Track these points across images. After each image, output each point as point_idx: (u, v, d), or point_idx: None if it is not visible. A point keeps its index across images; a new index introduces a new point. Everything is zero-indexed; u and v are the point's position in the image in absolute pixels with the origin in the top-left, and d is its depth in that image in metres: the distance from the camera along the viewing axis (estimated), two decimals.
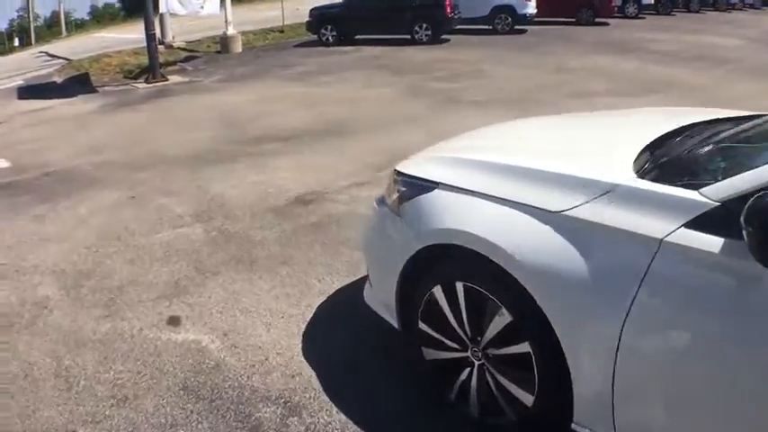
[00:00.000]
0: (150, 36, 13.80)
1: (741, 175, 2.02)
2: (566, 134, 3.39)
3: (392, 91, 11.26)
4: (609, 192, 2.24)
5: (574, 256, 2.25)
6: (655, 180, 2.26)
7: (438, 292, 2.76)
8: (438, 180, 2.84)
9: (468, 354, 2.72)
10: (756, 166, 2.03)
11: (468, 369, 2.74)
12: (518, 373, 2.51)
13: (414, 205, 2.88)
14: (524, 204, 2.45)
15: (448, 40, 18.25)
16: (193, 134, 8.58)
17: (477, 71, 12.94)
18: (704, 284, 2.02)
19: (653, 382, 2.13)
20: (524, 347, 2.45)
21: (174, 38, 19.09)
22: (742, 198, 1.90)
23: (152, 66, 13.90)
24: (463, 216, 2.63)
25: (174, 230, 5.03)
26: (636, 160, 2.48)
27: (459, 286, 2.67)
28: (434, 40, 18.05)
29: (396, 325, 3.08)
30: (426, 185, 2.88)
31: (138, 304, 3.87)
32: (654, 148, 2.69)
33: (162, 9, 15.68)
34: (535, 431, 2.55)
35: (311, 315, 3.66)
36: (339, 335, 3.49)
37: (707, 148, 2.62)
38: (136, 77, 14.69)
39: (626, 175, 2.31)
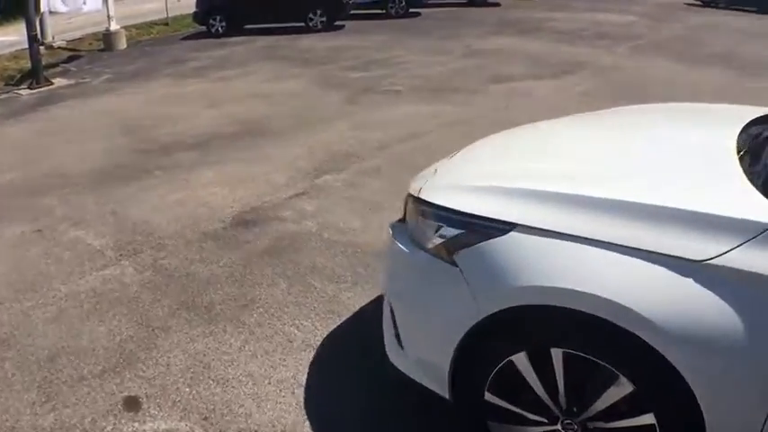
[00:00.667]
0: (32, 37, 12.41)
1: None
2: (632, 150, 2.78)
3: (303, 83, 10.49)
4: (765, 231, 1.85)
5: (727, 315, 1.87)
6: None
7: (521, 360, 2.25)
8: (515, 221, 2.23)
9: (559, 427, 2.31)
10: None
11: None
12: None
13: (480, 254, 2.28)
14: (653, 252, 1.97)
15: (342, 26, 17.52)
16: (93, 145, 7.49)
17: (387, 59, 12.35)
18: None
19: None
20: (647, 419, 2.10)
21: (53, 37, 17.41)
22: None
23: (35, 70, 12.47)
24: (569, 270, 2.08)
25: (98, 272, 4.17)
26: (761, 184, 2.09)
27: (557, 353, 2.19)
28: (329, 27, 17.30)
29: (445, 395, 2.50)
30: (494, 227, 2.27)
31: (80, 383, 3.05)
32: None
33: (43, 8, 14.27)
34: None
35: (305, 377, 2.99)
36: (353, 404, 2.86)
37: None
38: (18, 84, 13.13)
39: None
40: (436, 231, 2.45)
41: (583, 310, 2.05)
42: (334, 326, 3.39)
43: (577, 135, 3.25)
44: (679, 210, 2.01)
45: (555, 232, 2.13)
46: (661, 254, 1.95)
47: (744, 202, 2.02)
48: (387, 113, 8.12)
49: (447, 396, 2.49)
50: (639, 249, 1.99)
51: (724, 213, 1.95)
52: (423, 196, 2.58)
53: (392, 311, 2.71)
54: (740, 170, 2.25)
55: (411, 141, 6.84)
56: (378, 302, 3.61)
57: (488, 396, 2.38)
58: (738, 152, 2.42)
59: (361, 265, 4.08)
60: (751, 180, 2.16)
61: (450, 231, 2.39)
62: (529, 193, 2.33)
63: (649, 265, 1.97)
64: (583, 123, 3.67)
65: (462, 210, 2.38)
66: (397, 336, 2.69)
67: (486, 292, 2.25)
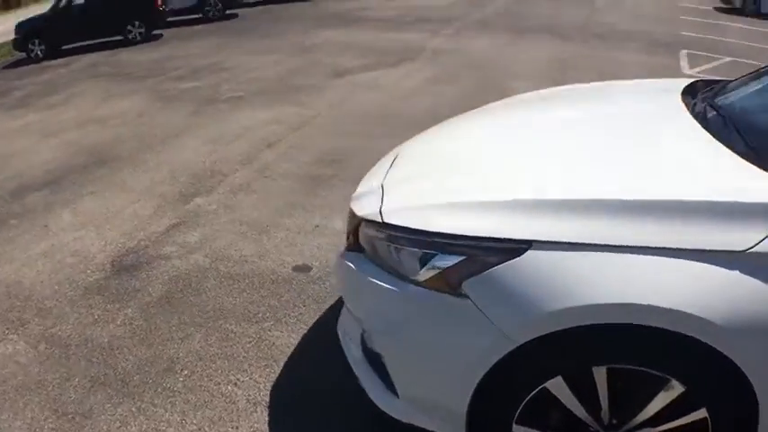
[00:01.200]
0: None
1: None
2: (598, 141, 2.68)
3: (138, 100, 9.68)
4: None
5: None
6: None
7: (557, 384, 2.07)
8: (531, 237, 2.00)
9: None
10: None
11: None
12: None
13: (495, 280, 2.01)
14: (694, 250, 1.87)
15: (161, 35, 16.66)
16: None
17: (215, 64, 11.77)
18: None
19: None
20: (699, 415, 2.06)
21: None
22: None
23: None
24: (613, 283, 1.90)
25: None
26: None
27: (600, 371, 2.04)
28: (148, 37, 16.44)
29: None
30: (505, 248, 2.02)
31: None
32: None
33: None
34: None
35: None
36: None
37: None
38: None
39: None
40: (424, 261, 2.16)
41: (634, 322, 1.90)
42: (275, 374, 3.07)
43: (528, 131, 3.03)
44: (707, 202, 1.94)
45: (581, 244, 1.95)
46: (703, 250, 1.87)
47: (755, 181, 2.00)
48: (236, 122, 7.73)
49: None
50: (681, 249, 1.88)
51: (749, 199, 1.92)
52: (392, 221, 2.29)
53: (372, 356, 2.42)
54: (720, 145, 2.26)
55: (272, 149, 6.55)
56: (312, 338, 3.33)
57: (516, 429, 2.19)
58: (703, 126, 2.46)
59: (273, 297, 3.78)
60: (740, 155, 2.17)
61: (447, 260, 2.10)
62: (538, 204, 2.11)
63: (694, 263, 1.87)
64: (519, 119, 3.38)
65: (459, 233, 2.11)
66: (388, 382, 2.38)
67: (514, 320, 2.00)
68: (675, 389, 2.02)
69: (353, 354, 2.58)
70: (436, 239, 2.15)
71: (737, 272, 1.86)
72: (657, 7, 17.68)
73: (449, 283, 2.09)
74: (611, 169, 2.30)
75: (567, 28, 13.50)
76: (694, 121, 2.58)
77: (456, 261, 2.08)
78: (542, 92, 3.92)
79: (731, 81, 3.27)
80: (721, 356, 1.90)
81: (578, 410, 2.13)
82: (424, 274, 2.15)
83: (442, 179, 2.57)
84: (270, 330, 3.42)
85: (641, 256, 1.91)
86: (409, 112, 7.48)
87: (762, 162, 2.10)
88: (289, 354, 3.22)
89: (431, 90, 8.65)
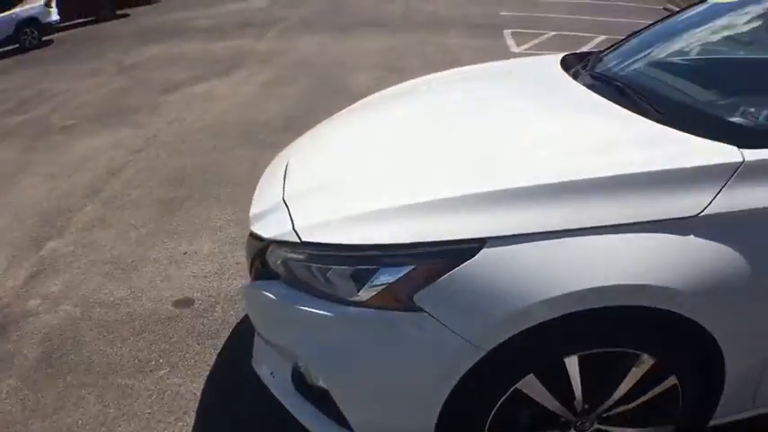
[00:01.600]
0: None
1: None
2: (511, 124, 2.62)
3: None
4: (738, 170, 1.90)
5: (734, 257, 1.88)
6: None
7: (530, 383, 1.99)
8: (485, 234, 1.84)
9: (572, 430, 2.20)
10: None
11: None
12: (652, 412, 2.18)
13: (449, 288, 1.83)
14: (647, 222, 1.86)
15: None
16: None
17: (42, 93, 10.66)
18: None
19: None
20: (669, 383, 2.11)
21: None
22: None
23: None
24: (577, 269, 1.81)
25: None
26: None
27: (572, 360, 1.99)
28: None
29: None
30: (454, 250, 1.85)
31: None
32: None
33: None
34: None
35: None
36: None
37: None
38: None
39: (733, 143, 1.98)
40: (361, 278, 1.95)
41: (601, 305, 1.85)
42: (189, 428, 2.84)
43: (429, 122, 2.90)
44: (648, 173, 1.92)
45: (535, 234, 1.84)
46: (657, 221, 1.85)
47: (684, 145, 2.05)
48: (74, 152, 7.14)
49: None
50: (634, 223, 1.85)
51: (688, 164, 1.93)
52: (313, 239, 2.07)
53: (312, 392, 2.22)
54: (634, 114, 2.33)
55: (117, 177, 6.13)
56: (219, 379, 3.18)
57: None
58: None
59: (162, 340, 3.55)
60: (657, 121, 2.23)
61: (392, 273, 1.90)
62: (484, 197, 1.96)
63: (650, 235, 1.86)
64: (411, 110, 3.20)
65: (400, 242, 1.92)
66: (338, 417, 2.15)
67: (479, 326, 1.85)
68: (646, 362, 2.01)
69: (286, 392, 2.35)
70: (372, 252, 1.95)
71: (693, 236, 1.85)
72: None
73: (398, 299, 1.90)
74: (540, 153, 2.22)
75: (390, 20, 13.77)
76: (597, 95, 2.61)
77: (403, 273, 1.89)
78: (426, 78, 3.79)
79: (606, 51, 3.46)
80: (687, 322, 1.91)
81: (551, 404, 2.06)
82: (366, 293, 1.94)
83: (353, 186, 2.35)
84: (168, 378, 3.20)
85: (596, 237, 1.85)
86: (255, 119, 7.37)
87: (680, 124, 2.15)
88: (198, 401, 3.01)
89: (272, 93, 8.51)
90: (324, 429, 2.24)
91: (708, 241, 1.88)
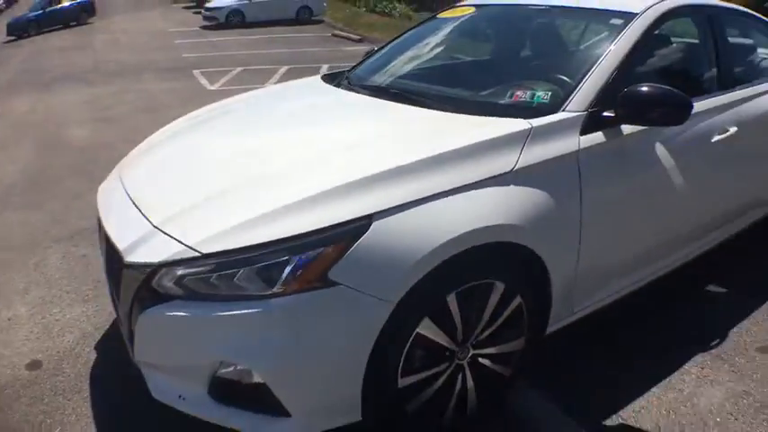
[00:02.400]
0: None
1: (585, 88, 2.82)
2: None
3: None
4: (530, 135, 2.60)
5: (545, 196, 2.55)
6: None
7: (426, 325, 2.35)
8: (369, 212, 2.20)
9: (456, 361, 2.55)
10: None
11: (460, 376, 2.57)
12: (508, 331, 2.63)
13: (356, 260, 2.14)
14: (481, 180, 2.41)
15: None
16: None
17: None
18: (616, 166, 2.82)
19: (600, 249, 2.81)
20: (515, 303, 2.59)
21: None
22: (607, 100, 2.79)
23: None
24: (444, 223, 2.27)
25: None
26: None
27: (452, 298, 2.38)
28: None
29: (358, 417, 2.35)
30: (350, 230, 2.17)
31: None
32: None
33: None
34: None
35: None
36: None
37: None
38: None
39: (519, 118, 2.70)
40: (276, 271, 2.13)
41: (466, 247, 2.29)
42: None
43: (257, 132, 3.30)
44: (470, 145, 2.49)
45: (408, 203, 2.24)
46: (489, 178, 2.42)
47: (468, 125, 2.72)
48: None
49: (359, 417, 2.34)
50: (472, 183, 2.38)
51: (499, 134, 2.56)
52: (216, 248, 2.18)
53: (234, 395, 2.29)
54: (416, 108, 3.03)
55: None
56: (113, 423, 3.01)
57: (402, 382, 2.37)
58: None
59: (34, 407, 3.13)
60: (452, 111, 2.91)
61: (298, 260, 2.12)
62: (358, 183, 2.29)
63: (489, 189, 2.41)
64: (232, 126, 3.54)
65: (302, 231, 2.15)
66: (272, 408, 2.24)
67: (386, 284, 2.16)
68: (499, 288, 2.48)
69: (205, 407, 2.34)
70: (281, 246, 2.13)
71: (513, 186, 2.46)
72: (150, 38, 18.61)
73: (315, 280, 2.11)
74: (384, 144, 2.70)
75: (85, 72, 13.67)
76: (384, 101, 3.22)
77: (314, 256, 2.12)
78: (213, 106, 3.99)
79: (355, 67, 4.14)
80: (523, 249, 2.47)
81: (442, 338, 2.40)
82: (285, 283, 2.12)
83: (222, 200, 2.45)
84: None
85: (450, 197, 2.32)
86: None
87: (474, 111, 2.86)
88: None
89: None
90: (260, 426, 2.29)
91: (524, 187, 2.46)
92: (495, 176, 2.44)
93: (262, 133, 3.25)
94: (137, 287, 2.32)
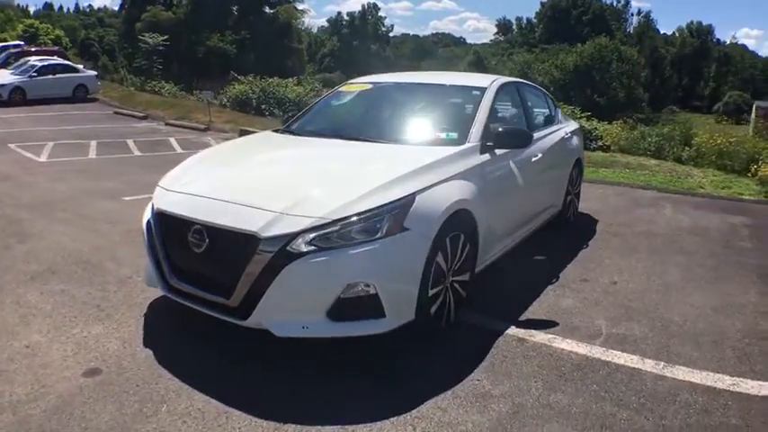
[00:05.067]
0: None
1: (475, 130, 4.88)
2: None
3: None
4: (460, 151, 4.59)
5: (473, 186, 4.35)
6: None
7: (439, 257, 3.92)
8: (413, 191, 3.80)
9: (446, 283, 4.12)
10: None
11: (446, 294, 4.13)
12: (463, 265, 4.28)
13: (414, 215, 3.71)
14: (451, 177, 4.19)
15: None
16: None
17: None
18: (495, 172, 4.82)
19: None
20: (467, 247, 4.27)
21: None
22: (486, 135, 4.90)
23: None
24: (446, 196, 4.01)
25: None
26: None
27: (447, 241, 3.97)
28: None
29: (411, 316, 3.79)
30: (409, 198, 3.75)
31: None
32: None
33: None
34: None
35: None
36: None
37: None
38: None
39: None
40: (379, 224, 3.59)
41: (454, 210, 4.01)
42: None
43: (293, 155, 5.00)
44: (439, 159, 4.32)
45: (424, 189, 3.91)
46: (453, 175, 4.23)
47: (435, 149, 4.59)
48: None
49: (413, 317, 3.83)
50: (447, 178, 4.14)
51: (447, 153, 4.46)
52: (344, 214, 3.56)
53: (347, 313, 3.58)
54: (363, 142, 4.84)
55: None
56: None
57: (429, 292, 3.93)
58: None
59: (136, 406, 3.61)
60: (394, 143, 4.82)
61: (388, 218, 3.62)
62: (403, 178, 3.93)
63: (451, 182, 4.18)
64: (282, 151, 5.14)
65: (388, 201, 3.69)
66: (375, 311, 3.62)
67: (429, 227, 3.80)
68: (461, 237, 4.17)
69: (327, 328, 3.58)
70: (376, 211, 3.61)
71: (462, 180, 4.25)
72: None
73: (397, 227, 3.64)
74: (381, 165, 4.28)
75: None
76: (338, 140, 4.95)
77: (395, 215, 3.65)
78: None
79: (295, 120, 5.81)
80: (468, 212, 4.21)
81: (443, 266, 4.07)
82: (383, 231, 3.60)
83: (326, 187, 3.89)
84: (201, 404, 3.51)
85: (442, 185, 4.04)
86: None
87: (403, 142, 4.81)
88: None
89: None
90: (367, 327, 3.62)
91: (464, 181, 4.20)
92: (454, 174, 4.24)
93: (295, 156, 4.91)
94: (274, 253, 3.49)
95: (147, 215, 4.33)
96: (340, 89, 6.24)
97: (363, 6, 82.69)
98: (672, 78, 68.51)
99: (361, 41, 79.00)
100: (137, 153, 12.77)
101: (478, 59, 78.09)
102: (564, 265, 5.97)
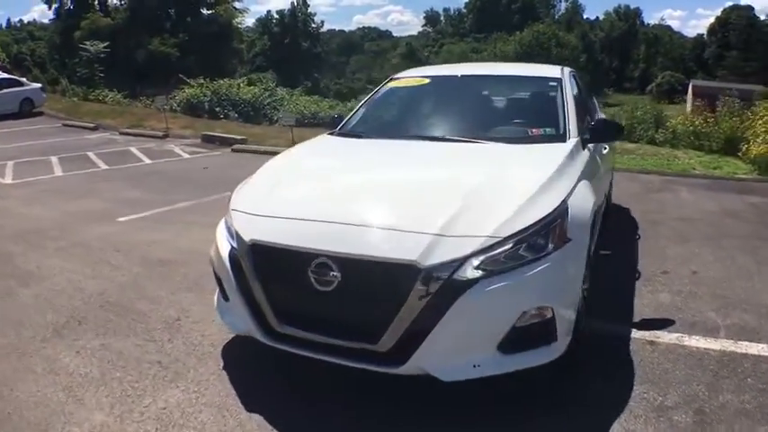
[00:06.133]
0: None
1: (572, 126, 4.41)
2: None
3: None
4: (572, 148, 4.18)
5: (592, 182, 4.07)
6: None
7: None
8: (563, 198, 3.35)
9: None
10: None
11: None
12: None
13: (572, 224, 3.30)
14: (579, 175, 3.77)
15: None
16: None
17: None
18: (594, 161, 4.42)
19: None
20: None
21: None
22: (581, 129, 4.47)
23: None
24: (587, 197, 3.68)
25: None
26: None
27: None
28: None
29: (570, 335, 3.28)
30: (563, 209, 3.28)
31: None
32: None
33: None
34: None
35: None
36: None
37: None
38: None
39: None
40: (547, 237, 3.15)
41: (597, 206, 3.93)
42: None
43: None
44: (564, 160, 3.83)
45: (569, 192, 3.48)
46: (580, 173, 3.82)
47: (549, 145, 4.22)
48: None
49: (571, 336, 3.30)
50: (578, 178, 3.74)
51: (566, 151, 3.97)
52: (512, 230, 3.06)
53: (515, 344, 3.06)
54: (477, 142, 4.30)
55: None
56: None
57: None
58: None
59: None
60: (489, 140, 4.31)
61: (554, 230, 3.20)
62: (545, 186, 3.44)
63: (583, 181, 3.81)
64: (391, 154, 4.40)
65: (547, 213, 3.21)
66: (550, 334, 3.15)
67: (584, 234, 3.48)
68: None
69: (499, 364, 3.05)
70: (542, 223, 3.14)
71: (585, 179, 3.85)
72: None
73: (562, 238, 3.20)
74: (519, 165, 3.83)
75: None
76: (437, 142, 4.35)
77: (558, 225, 3.20)
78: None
79: (351, 116, 5.13)
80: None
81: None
82: (552, 245, 3.14)
83: (473, 205, 3.24)
84: None
85: (578, 186, 3.63)
86: None
87: (505, 141, 4.24)
88: None
89: None
90: (540, 356, 3.08)
91: (586, 181, 3.80)
92: (578, 174, 3.72)
93: (391, 162, 4.23)
94: (441, 284, 2.87)
95: (225, 246, 3.50)
96: (390, 85, 5.52)
97: (292, 3, 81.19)
98: (604, 62, 70.36)
99: (292, 39, 77.75)
100: (104, 167, 11.92)
101: (410, 51, 78.36)
102: (633, 258, 5.73)
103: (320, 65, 79.72)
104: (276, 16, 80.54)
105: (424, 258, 2.89)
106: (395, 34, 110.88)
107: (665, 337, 4.12)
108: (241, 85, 23.44)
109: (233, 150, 14.15)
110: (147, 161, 12.64)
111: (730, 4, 79.16)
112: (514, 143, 4.20)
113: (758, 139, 10.94)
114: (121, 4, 47.87)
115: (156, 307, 4.68)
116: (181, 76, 23.96)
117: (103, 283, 5.26)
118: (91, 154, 13.27)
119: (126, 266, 5.66)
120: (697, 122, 13.77)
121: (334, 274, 3.01)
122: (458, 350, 2.97)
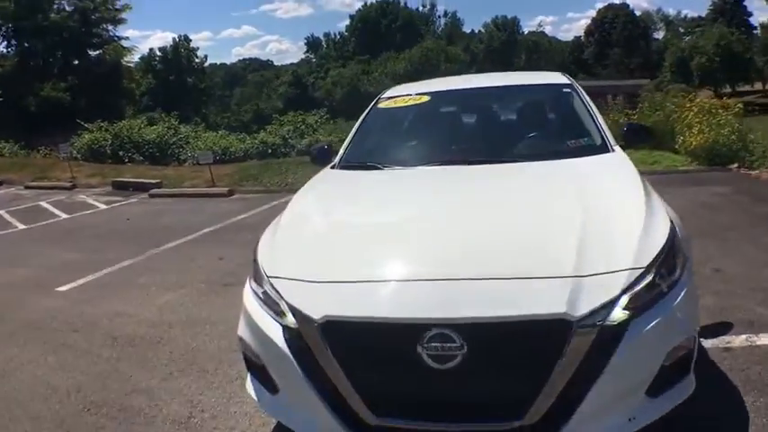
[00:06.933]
0: None
1: (607, 133, 4.03)
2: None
3: None
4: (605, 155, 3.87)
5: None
6: None
7: None
8: (669, 223, 2.92)
9: None
10: None
11: None
12: None
13: (678, 247, 2.87)
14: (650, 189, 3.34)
15: None
16: None
17: None
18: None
19: None
20: None
21: None
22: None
23: None
24: (673, 215, 3.16)
25: None
26: None
27: None
28: None
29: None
30: (672, 234, 2.85)
31: None
32: None
33: None
34: None
35: None
36: None
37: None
38: None
39: None
40: (673, 266, 2.74)
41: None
42: None
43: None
44: (632, 172, 3.50)
45: (653, 197, 3.20)
46: (641, 182, 3.35)
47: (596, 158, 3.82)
48: None
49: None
50: (650, 192, 3.27)
51: (625, 160, 3.74)
52: (644, 263, 2.59)
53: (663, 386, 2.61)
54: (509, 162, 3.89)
55: None
56: None
57: None
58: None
59: None
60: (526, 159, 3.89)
61: (673, 244, 2.80)
62: (648, 212, 2.97)
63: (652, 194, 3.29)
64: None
65: (664, 241, 2.76)
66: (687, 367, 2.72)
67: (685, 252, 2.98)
68: None
69: (650, 410, 2.61)
70: (668, 242, 2.78)
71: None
72: None
73: (683, 258, 2.87)
74: (600, 188, 3.32)
75: None
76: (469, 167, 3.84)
77: (677, 245, 2.85)
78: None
79: (348, 147, 4.50)
80: None
81: None
82: (680, 270, 2.77)
83: (586, 237, 2.74)
84: None
85: (658, 205, 3.12)
86: None
87: (549, 156, 3.79)
88: None
89: None
90: (681, 393, 2.67)
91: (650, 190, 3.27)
92: (644, 185, 3.28)
93: (443, 193, 3.61)
94: (596, 334, 2.40)
95: (271, 326, 2.74)
96: (384, 105, 4.86)
97: (174, 39, 78.58)
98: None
99: (177, 75, 75.33)
100: (21, 226, 10.83)
101: (296, 79, 78.20)
102: None
103: (208, 100, 77.84)
104: (159, 54, 77.73)
105: (572, 308, 2.37)
106: (276, 63, 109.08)
107: (734, 341, 3.92)
108: (142, 125, 22.27)
109: (150, 196, 13.40)
110: (64, 216, 11.66)
111: (600, 5, 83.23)
112: (560, 157, 3.76)
113: (693, 130, 11.21)
114: (8, 52, 44.95)
115: (156, 402, 3.76)
116: (78, 121, 22.47)
117: (75, 375, 4.25)
118: (2, 212, 12.25)
119: (94, 350, 4.68)
120: (621, 121, 14.11)
121: (456, 345, 2.38)
122: (613, 406, 2.48)
